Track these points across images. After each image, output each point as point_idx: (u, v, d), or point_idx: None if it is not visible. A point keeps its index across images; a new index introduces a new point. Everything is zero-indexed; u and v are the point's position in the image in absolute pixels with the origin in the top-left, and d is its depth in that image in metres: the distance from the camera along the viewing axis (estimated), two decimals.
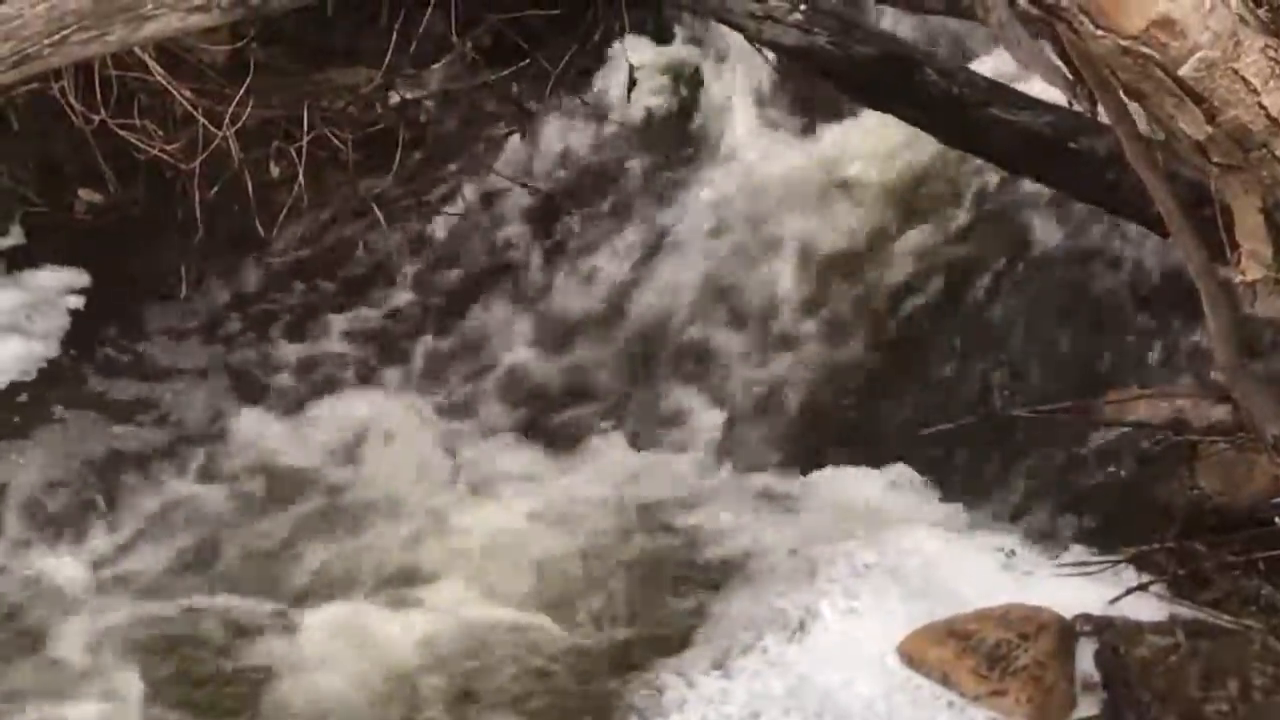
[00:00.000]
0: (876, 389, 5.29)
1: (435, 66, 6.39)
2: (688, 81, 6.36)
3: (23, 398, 5.40)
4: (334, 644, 4.44)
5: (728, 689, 4.08)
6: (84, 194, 6.11)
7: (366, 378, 5.56)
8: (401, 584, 4.68)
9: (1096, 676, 4.09)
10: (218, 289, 5.88)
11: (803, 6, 4.52)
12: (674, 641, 4.31)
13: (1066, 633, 4.13)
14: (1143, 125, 3.40)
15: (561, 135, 6.31)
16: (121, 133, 5.62)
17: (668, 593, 4.55)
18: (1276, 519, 4.20)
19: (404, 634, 4.45)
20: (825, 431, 5.21)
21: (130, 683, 4.32)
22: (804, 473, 5.05)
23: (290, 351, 5.67)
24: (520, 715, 4.20)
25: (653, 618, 4.45)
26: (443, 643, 4.42)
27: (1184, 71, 3.04)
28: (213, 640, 4.50)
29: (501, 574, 4.66)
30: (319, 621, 4.50)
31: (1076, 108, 3.53)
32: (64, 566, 4.78)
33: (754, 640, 4.20)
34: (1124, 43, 3.03)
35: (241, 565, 4.82)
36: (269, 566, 4.80)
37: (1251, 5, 3.09)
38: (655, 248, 5.89)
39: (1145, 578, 4.27)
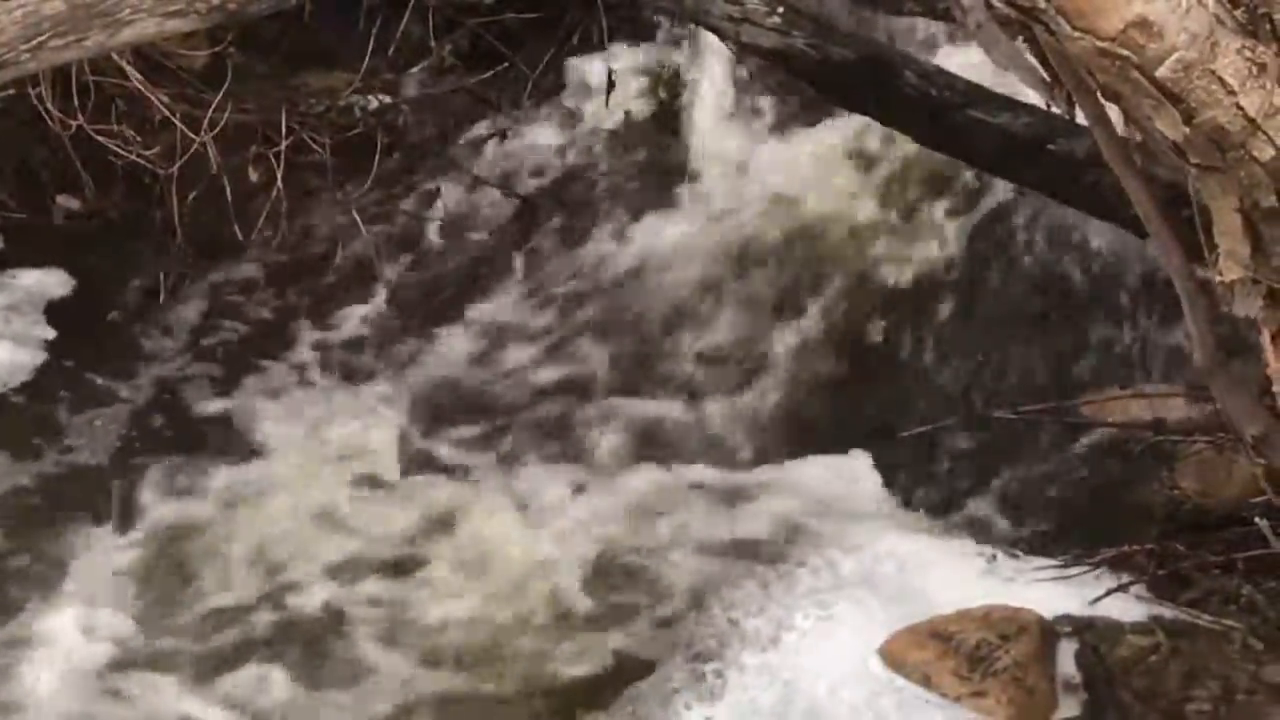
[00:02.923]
0: (855, 391, 5.29)
1: (413, 71, 6.39)
2: (666, 84, 6.36)
3: None
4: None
5: (712, 707, 4.07)
6: (62, 199, 6.09)
7: (344, 382, 5.55)
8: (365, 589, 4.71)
9: (1078, 677, 4.09)
10: (196, 294, 5.87)
11: (780, 9, 4.52)
12: (650, 665, 4.29)
13: (1047, 633, 4.13)
14: (1120, 127, 3.40)
15: (540, 139, 6.31)
16: (99, 138, 5.60)
17: (641, 613, 4.53)
18: (1256, 519, 4.20)
19: (370, 651, 4.47)
20: (802, 435, 5.21)
21: None
22: (781, 477, 5.04)
23: (269, 356, 5.65)
24: None
25: (626, 643, 4.44)
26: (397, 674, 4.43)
27: (1161, 73, 3.04)
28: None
29: (463, 601, 4.65)
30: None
31: (1054, 109, 3.53)
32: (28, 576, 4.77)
33: (734, 654, 4.17)
34: (1101, 44, 3.03)
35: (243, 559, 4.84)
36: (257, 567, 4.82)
37: (1228, 6, 3.10)
38: (633, 251, 5.89)
39: (1126, 578, 4.27)
